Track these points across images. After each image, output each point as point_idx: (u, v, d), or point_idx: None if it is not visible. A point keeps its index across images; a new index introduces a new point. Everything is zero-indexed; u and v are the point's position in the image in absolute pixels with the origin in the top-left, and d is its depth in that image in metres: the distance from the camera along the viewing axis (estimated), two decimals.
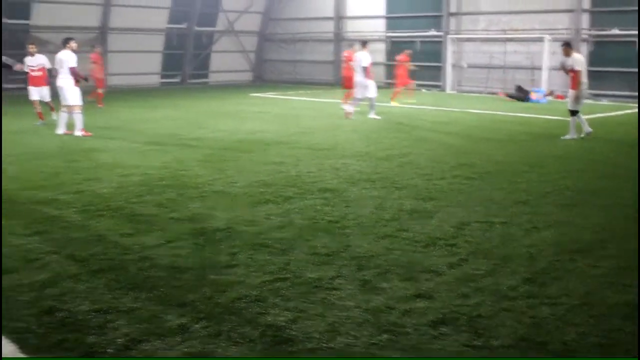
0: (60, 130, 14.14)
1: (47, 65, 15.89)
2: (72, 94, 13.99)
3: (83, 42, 32.21)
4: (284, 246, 6.05)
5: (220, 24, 35.80)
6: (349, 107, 17.59)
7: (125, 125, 15.96)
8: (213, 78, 36.13)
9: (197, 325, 4.34)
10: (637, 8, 22.87)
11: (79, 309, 4.60)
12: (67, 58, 14.01)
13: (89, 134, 13.90)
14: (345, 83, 19.52)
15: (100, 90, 21.41)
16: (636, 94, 22.17)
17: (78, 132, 13.90)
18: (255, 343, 4.12)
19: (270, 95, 26.58)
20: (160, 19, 33.53)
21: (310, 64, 35.30)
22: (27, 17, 29.81)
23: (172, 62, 34.49)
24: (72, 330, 4.27)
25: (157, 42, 33.86)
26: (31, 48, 16.26)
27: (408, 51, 24.10)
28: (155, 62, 34.10)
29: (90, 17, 31.44)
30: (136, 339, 4.15)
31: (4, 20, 28.97)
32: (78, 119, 13.99)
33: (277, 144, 12.47)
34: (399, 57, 23.54)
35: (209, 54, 36.16)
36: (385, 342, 4.15)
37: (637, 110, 19.18)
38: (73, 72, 13.94)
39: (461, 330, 4.31)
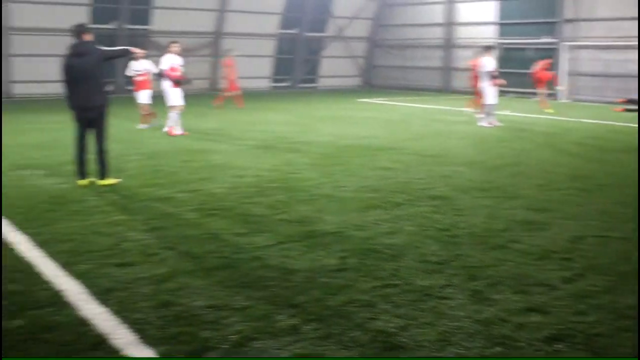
0: (176, 130, 14.73)
1: (152, 69, 16.51)
2: (170, 95, 14.82)
3: (198, 46, 33.45)
4: (393, 252, 6.02)
5: (330, 30, 36.15)
6: (482, 115, 17.27)
7: (237, 128, 16.37)
8: (322, 83, 36.53)
9: (307, 327, 4.39)
10: None
11: (194, 304, 4.75)
12: (163, 61, 14.68)
13: (176, 134, 14.50)
14: (474, 91, 19.23)
15: (234, 93, 22.21)
16: None
17: (165, 129, 14.72)
18: (365, 348, 4.12)
19: (378, 100, 26.57)
20: (272, 25, 34.23)
21: (419, 70, 35.05)
22: (146, 23, 31.13)
23: (282, 67, 35.15)
24: (187, 324, 4.42)
25: (269, 47, 34.56)
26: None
27: (548, 60, 23.64)
28: (266, 67, 34.83)
29: (206, 22, 32.49)
30: (249, 336, 4.24)
31: (125, 25, 30.45)
32: (172, 118, 14.70)
33: (386, 150, 12.45)
34: (540, 64, 22.95)
35: (318, 59, 36.59)
36: (498, 355, 4.06)
37: None
38: (166, 74, 14.59)
39: (577, 348, 4.15)
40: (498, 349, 4.12)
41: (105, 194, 8.51)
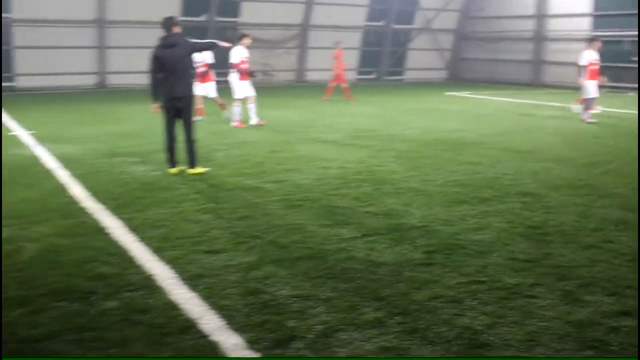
0: (253, 120, 15.01)
1: (210, 60, 16.67)
2: (236, 88, 15.00)
3: (285, 38, 33.75)
4: (480, 249, 5.92)
5: (418, 22, 35.81)
6: (583, 111, 16.71)
7: (323, 120, 16.44)
8: (408, 75, 36.26)
9: (392, 321, 4.37)
10: None
11: (280, 293, 4.81)
12: (233, 53, 14.91)
13: (243, 125, 14.74)
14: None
15: (344, 85, 22.50)
16: None
17: (233, 123, 14.88)
18: (451, 344, 4.08)
19: (466, 94, 26.15)
20: (358, 17, 34.19)
21: (509, 63, 34.24)
22: (235, 15, 31.64)
23: (368, 59, 35.07)
24: (274, 312, 4.48)
25: (355, 39, 34.52)
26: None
27: None
28: (352, 59, 34.79)
29: (293, 14, 32.75)
30: (334, 327, 4.26)
31: (215, 18, 31.03)
32: (235, 111, 14.93)
33: (474, 144, 12.24)
34: None
35: (405, 52, 36.32)
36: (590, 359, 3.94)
37: None
38: (233, 67, 14.76)
39: None
40: (589, 352, 4.00)
41: (194, 182, 8.72)
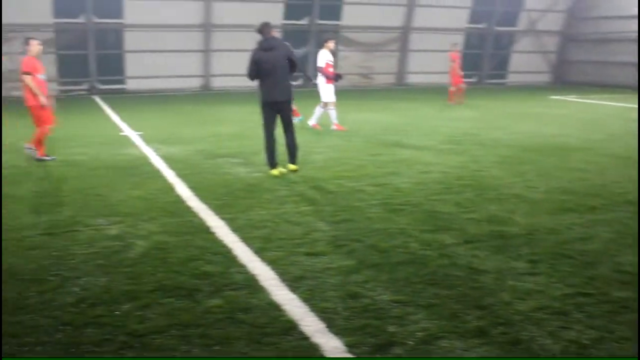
0: (312, 121, 15.12)
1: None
2: (323, 91, 14.96)
3: (386, 41, 33.66)
4: (587, 259, 5.70)
5: (521, 24, 34.93)
6: None
7: (423, 123, 16.30)
8: (511, 79, 35.44)
9: (495, 330, 4.27)
10: None
11: (380, 298, 4.79)
12: (318, 57, 14.99)
13: (343, 128, 14.69)
14: None
15: (460, 87, 22.30)
16: None
17: (333, 127, 14.81)
18: (556, 358, 3.95)
19: (571, 98, 25.28)
20: (460, 19, 33.72)
21: (618, 65, 32.82)
22: (337, 18, 31.85)
23: (470, 62, 34.46)
24: (374, 317, 4.46)
25: (456, 41, 34.08)
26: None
27: None
28: None
29: (394, 17, 32.64)
30: (435, 335, 4.20)
31: (316, 21, 31.33)
32: (332, 114, 14.93)
33: (579, 150, 11.81)
34: None
35: (507, 54, 35.52)
36: None
37: None
38: (320, 71, 14.78)
39: None
40: None
41: (296, 184, 8.82)
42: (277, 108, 9.52)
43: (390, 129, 14.96)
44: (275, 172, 9.47)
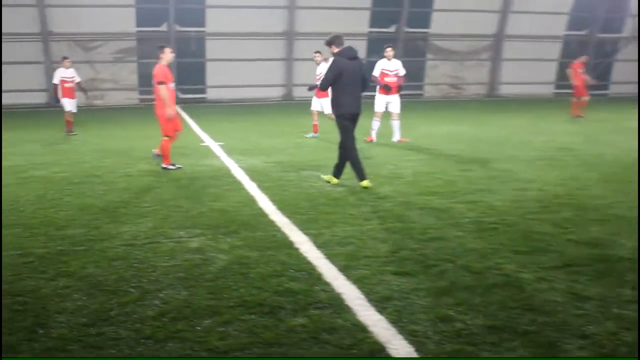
0: (395, 138, 15.09)
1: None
2: (375, 102, 15.12)
3: (477, 49, 33.27)
4: None
5: (627, 30, 33.89)
6: None
7: (517, 136, 16.01)
8: (614, 90, 34.41)
9: None
10: None
11: (473, 322, 4.70)
12: (375, 66, 15.14)
13: (404, 140, 14.85)
14: None
15: (583, 99, 21.78)
16: None
17: (394, 139, 14.95)
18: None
19: None
20: (558, 25, 33.02)
21: None
22: (426, 26, 31.74)
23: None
24: (467, 342, 4.38)
25: (553, 50, 33.35)
26: (317, 57, 16.63)
27: None
28: (549, 71, 33.65)
29: (487, 24, 32.26)
30: None
31: (404, 29, 31.29)
32: (373, 125, 15.02)
33: None
34: None
35: (610, 63, 34.51)
36: None
37: None
38: (374, 80, 14.90)
39: None
40: None
41: (382, 200, 8.80)
42: (354, 120, 9.68)
43: (482, 143, 14.76)
44: (367, 183, 9.53)
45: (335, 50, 9.59)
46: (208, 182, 10.21)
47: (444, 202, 8.55)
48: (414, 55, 33.50)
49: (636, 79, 34.29)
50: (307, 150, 13.50)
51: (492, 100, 31.17)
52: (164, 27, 30.55)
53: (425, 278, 5.62)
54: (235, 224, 7.51)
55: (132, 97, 31.77)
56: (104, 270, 5.97)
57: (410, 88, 34.84)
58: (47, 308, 5.08)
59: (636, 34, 33.59)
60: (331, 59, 9.83)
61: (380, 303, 5.07)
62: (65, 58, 18.70)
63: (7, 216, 8.15)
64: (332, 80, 9.50)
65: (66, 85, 18.27)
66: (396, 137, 15.05)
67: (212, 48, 30.14)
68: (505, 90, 33.14)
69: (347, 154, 9.71)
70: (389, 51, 15.26)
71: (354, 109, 9.58)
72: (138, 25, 30.12)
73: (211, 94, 30.50)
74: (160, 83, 11.16)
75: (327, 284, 5.51)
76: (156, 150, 11.80)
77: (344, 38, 9.67)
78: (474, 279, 5.61)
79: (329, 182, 9.90)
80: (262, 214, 8.02)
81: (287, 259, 6.19)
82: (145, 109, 26.55)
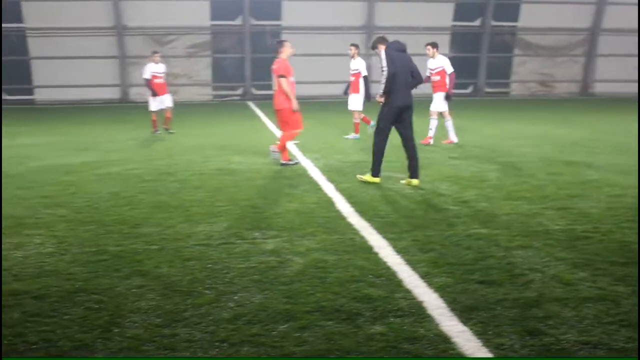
0: (452, 138, 15.11)
1: (364, 72, 16.40)
2: (434, 102, 15.13)
3: (569, 45, 32.52)
4: None
5: None
6: None
7: (612, 138, 15.60)
8: None
9: None
10: None
11: (565, 337, 4.60)
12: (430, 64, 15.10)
13: (427, 142, 14.82)
14: None
15: None
16: None
17: (429, 140, 14.91)
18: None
19: None
20: None
21: None
22: (513, 19, 31.24)
23: None
24: (558, 358, 4.31)
25: None
26: (352, 50, 16.75)
27: None
28: None
29: (581, 17, 31.54)
30: None
31: (490, 22, 30.86)
32: (432, 124, 15.03)
33: None
34: None
35: None
36: None
37: None
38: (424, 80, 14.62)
39: None
40: None
41: (465, 204, 8.72)
42: (402, 113, 10.01)
43: (573, 145, 14.45)
44: (378, 180, 10.08)
45: (382, 48, 10.08)
46: (283, 182, 10.33)
47: (532, 208, 8.42)
48: (501, 51, 33.04)
49: None
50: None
51: (585, 99, 30.44)
52: (238, 21, 31.02)
53: (512, 288, 5.54)
54: (312, 226, 7.58)
55: (206, 93, 32.37)
56: (178, 270, 6.12)
57: (495, 86, 34.42)
58: (121, 307, 5.24)
59: None
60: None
61: (464, 313, 5.03)
62: (155, 52, 18.80)
63: (83, 212, 8.45)
64: (393, 71, 9.74)
65: (157, 80, 18.36)
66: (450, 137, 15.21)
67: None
68: (599, 88, 32.32)
69: (377, 148, 10.15)
70: (430, 49, 15.26)
71: (402, 102, 9.95)
72: (212, 19, 30.65)
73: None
74: (282, 76, 11.66)
75: (408, 291, 5.50)
76: (274, 147, 12.03)
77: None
78: (565, 291, 5.50)
79: (409, 184, 9.94)
80: (340, 217, 8.06)
81: (366, 264, 6.21)
82: (218, 105, 27.04)
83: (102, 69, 32.18)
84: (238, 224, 7.77)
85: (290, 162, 11.83)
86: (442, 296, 5.38)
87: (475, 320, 4.91)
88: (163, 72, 18.47)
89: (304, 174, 10.97)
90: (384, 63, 9.66)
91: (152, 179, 10.83)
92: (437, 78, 15.20)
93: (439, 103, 15.15)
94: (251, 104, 26.76)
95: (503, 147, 14.17)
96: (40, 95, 32.67)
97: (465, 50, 32.64)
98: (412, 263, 6.22)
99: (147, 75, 18.27)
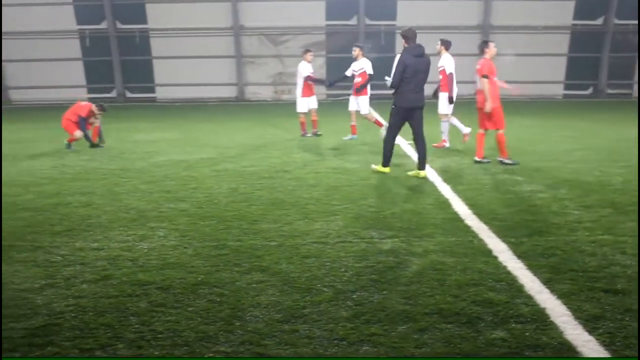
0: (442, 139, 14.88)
1: (370, 71, 15.72)
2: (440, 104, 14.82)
3: None
4: None
5: None
6: None
7: None
8: None
9: None
10: None
11: None
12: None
13: (442, 145, 14.68)
14: None
15: None
16: None
17: (444, 144, 14.72)
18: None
19: None
20: None
21: None
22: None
23: None
24: None
25: None
26: (356, 51, 16.28)
27: None
28: None
29: None
30: None
31: (613, 20, 29.74)
32: (444, 127, 14.72)
33: None
34: None
35: None
36: None
37: None
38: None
39: None
40: None
41: (589, 208, 8.42)
42: (411, 114, 10.84)
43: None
44: (387, 170, 11.10)
45: (405, 45, 10.86)
46: (399, 182, 10.29)
47: None
48: (624, 50, 31.79)
49: None
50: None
51: None
52: (353, 21, 31.12)
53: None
54: (429, 227, 7.51)
55: (320, 92, 32.62)
56: (296, 267, 6.19)
57: (617, 87, 33.16)
58: (242, 301, 5.35)
59: None
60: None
61: (589, 322, 4.86)
62: (308, 51, 17.51)
63: (204, 207, 8.69)
64: (398, 76, 10.63)
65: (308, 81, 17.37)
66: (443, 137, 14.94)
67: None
68: None
69: (386, 141, 11.17)
70: (438, 47, 14.88)
71: (410, 103, 10.78)
72: (327, 19, 30.89)
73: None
74: (485, 76, 11.85)
75: (530, 297, 5.36)
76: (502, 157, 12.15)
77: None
78: None
79: (416, 176, 10.72)
80: (457, 218, 7.96)
81: (485, 267, 6.10)
82: (332, 105, 27.24)
83: (220, 68, 32.97)
84: (355, 222, 7.80)
85: (509, 161, 11.89)
86: (565, 303, 5.22)
87: (602, 330, 4.74)
88: (312, 73, 17.44)
89: (419, 175, 10.88)
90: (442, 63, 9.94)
91: (268, 176, 11.01)
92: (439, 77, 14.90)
93: (443, 105, 14.75)
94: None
95: (627, 150, 13.60)
96: (161, 93, 33.80)
97: (586, 50, 31.63)
98: (533, 268, 6.06)
99: (307, 72, 17.04)
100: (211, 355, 4.44)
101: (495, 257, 6.39)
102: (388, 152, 11.12)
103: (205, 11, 31.58)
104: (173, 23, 31.92)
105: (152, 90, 34.34)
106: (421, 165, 10.83)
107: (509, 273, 5.95)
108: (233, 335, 4.71)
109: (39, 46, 32.20)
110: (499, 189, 9.68)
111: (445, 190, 9.63)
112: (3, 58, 32.22)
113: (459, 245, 6.80)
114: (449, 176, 10.65)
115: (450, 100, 14.45)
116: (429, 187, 9.86)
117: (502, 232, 7.27)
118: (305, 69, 16.97)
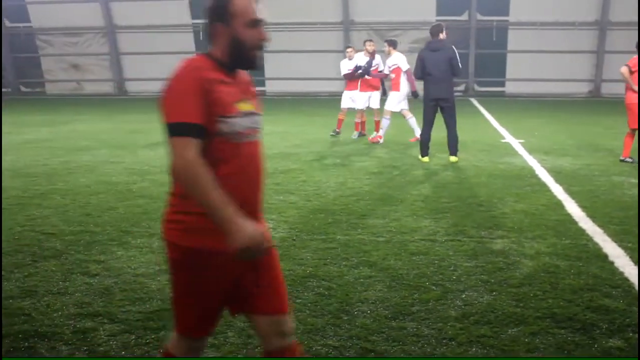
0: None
1: (403, 66, 14.64)
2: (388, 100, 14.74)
3: None
4: None
5: None
6: None
7: None
8: None
9: None
10: None
11: None
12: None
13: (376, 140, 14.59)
14: None
15: None
16: None
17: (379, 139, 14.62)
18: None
19: None
20: None
21: None
22: None
23: None
24: None
25: None
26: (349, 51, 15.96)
27: None
28: None
29: None
30: None
31: None
32: (411, 122, 14.49)
33: None
34: None
35: None
36: None
37: None
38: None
39: None
40: None
41: None
42: (438, 104, 11.67)
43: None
44: (426, 159, 11.96)
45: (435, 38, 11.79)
46: (509, 181, 10.05)
47: None
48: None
49: None
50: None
51: None
52: (464, 16, 30.60)
53: None
54: (541, 229, 7.30)
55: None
56: (404, 263, 6.15)
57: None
58: (350, 295, 5.36)
59: None
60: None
61: None
62: (348, 47, 17.52)
63: (312, 201, 8.76)
64: (417, 69, 11.86)
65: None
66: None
67: (514, 38, 29.57)
68: None
69: (422, 133, 12.07)
70: (386, 49, 14.68)
71: (432, 95, 11.62)
72: (438, 14, 30.46)
73: (510, 87, 29.97)
74: (632, 72, 11.80)
75: None
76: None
77: (440, 31, 11.70)
78: None
79: (456, 161, 11.64)
80: (571, 221, 7.70)
81: (600, 273, 5.87)
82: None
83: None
84: (464, 221, 7.67)
85: (629, 160, 11.72)
86: None
87: None
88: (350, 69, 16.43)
89: (531, 174, 10.60)
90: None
91: (376, 171, 10.98)
92: (392, 76, 14.50)
93: (391, 102, 14.43)
94: (473, 101, 26.34)
95: None
96: (270, 87, 34.23)
97: None
98: None
99: (344, 70, 16.18)
100: (319, 348, 4.47)
101: (612, 262, 6.15)
102: (425, 143, 11.94)
103: (316, 6, 31.72)
104: (284, 17, 32.20)
105: (262, 83, 34.87)
106: (452, 151, 11.86)
107: (626, 280, 5.71)
108: (341, 329, 4.72)
109: (155, 40, 33.17)
110: (614, 192, 9.28)
111: (558, 191, 9.33)
112: (120, 51, 33.44)
113: (572, 248, 6.58)
114: (562, 177, 10.32)
115: (415, 95, 14.20)
116: (541, 187, 9.58)
117: (618, 237, 6.98)
118: (344, 66, 16.39)
